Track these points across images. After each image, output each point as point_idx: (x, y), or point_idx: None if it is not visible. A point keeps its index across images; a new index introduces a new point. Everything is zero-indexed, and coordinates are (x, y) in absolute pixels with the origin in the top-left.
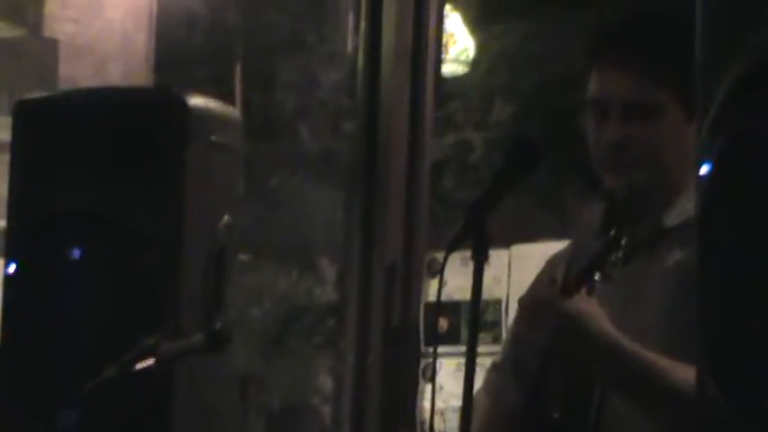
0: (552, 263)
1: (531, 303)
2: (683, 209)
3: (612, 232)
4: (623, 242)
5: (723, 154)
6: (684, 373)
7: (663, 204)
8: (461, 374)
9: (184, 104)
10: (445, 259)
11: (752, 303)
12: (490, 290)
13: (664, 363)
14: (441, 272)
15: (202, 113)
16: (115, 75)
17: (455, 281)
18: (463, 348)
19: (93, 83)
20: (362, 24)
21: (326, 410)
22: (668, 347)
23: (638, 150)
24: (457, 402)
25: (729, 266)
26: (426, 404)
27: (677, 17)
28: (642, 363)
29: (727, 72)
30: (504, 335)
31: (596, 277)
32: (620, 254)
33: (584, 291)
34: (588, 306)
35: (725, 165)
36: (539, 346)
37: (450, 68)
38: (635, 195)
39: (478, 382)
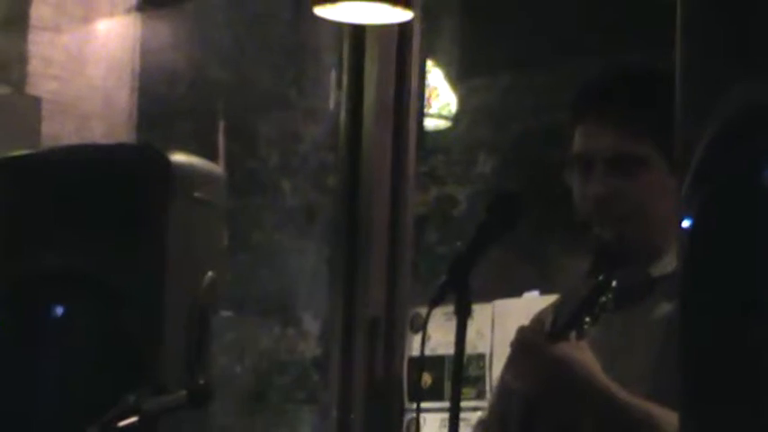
0: (539, 319)
1: (517, 349)
2: (670, 260)
3: (602, 276)
4: (614, 285)
5: (703, 208)
6: (674, 421)
7: (649, 255)
8: (445, 430)
9: (167, 161)
10: (428, 314)
11: (732, 356)
12: (473, 344)
13: (653, 409)
14: (424, 327)
15: (185, 170)
16: (98, 132)
17: (438, 336)
18: (447, 404)
19: (75, 140)
20: (344, 80)
21: None
22: (655, 400)
23: (623, 204)
24: None
25: (710, 319)
26: None
27: (658, 71)
28: (632, 408)
29: (707, 126)
30: (488, 390)
31: (586, 321)
32: (611, 297)
33: (573, 336)
34: (576, 351)
35: (706, 219)
36: (525, 393)
37: (432, 123)
38: (623, 244)
39: None
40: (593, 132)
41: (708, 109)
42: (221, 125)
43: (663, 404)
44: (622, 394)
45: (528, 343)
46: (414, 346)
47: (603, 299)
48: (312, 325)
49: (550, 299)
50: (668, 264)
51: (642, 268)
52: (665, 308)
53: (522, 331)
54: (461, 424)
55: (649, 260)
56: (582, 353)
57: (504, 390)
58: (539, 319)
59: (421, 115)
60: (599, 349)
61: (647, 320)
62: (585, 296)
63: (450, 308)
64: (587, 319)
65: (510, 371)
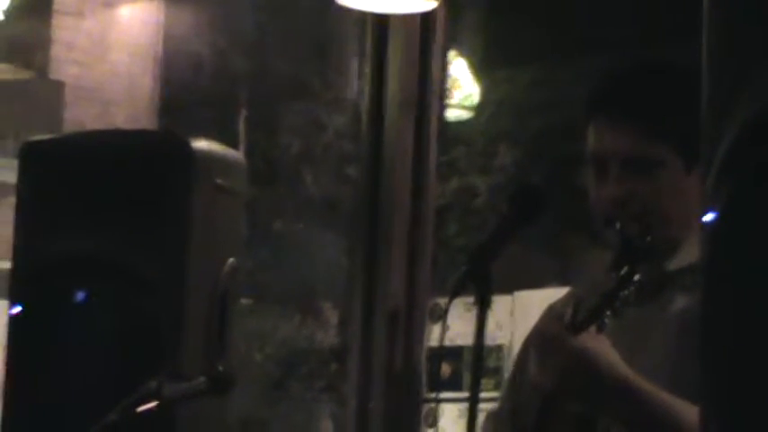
0: (551, 310)
1: (538, 341)
2: (686, 253)
3: (625, 269)
4: (636, 279)
5: (728, 202)
6: (694, 414)
7: (666, 250)
8: (464, 420)
9: (189, 148)
10: (448, 305)
11: (755, 350)
12: (493, 336)
13: (674, 402)
14: (443, 317)
15: (207, 157)
16: (120, 117)
17: (458, 326)
18: (465, 394)
19: (98, 125)
20: (367, 70)
21: None
22: (672, 392)
23: (638, 206)
24: None
25: (733, 314)
26: None
27: (672, 68)
28: (655, 400)
29: (733, 119)
30: None
31: (607, 314)
32: (633, 290)
33: (593, 328)
34: (598, 343)
35: (730, 213)
36: (544, 388)
37: (454, 114)
38: (646, 239)
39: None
40: (607, 133)
41: (733, 102)
42: (243, 113)
43: (680, 397)
44: (644, 384)
45: (549, 336)
46: (433, 337)
47: (626, 292)
48: (331, 314)
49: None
50: (684, 257)
51: (658, 262)
52: (682, 302)
53: (541, 325)
54: (480, 415)
55: (665, 254)
56: (602, 344)
57: (515, 382)
58: (556, 313)
59: (443, 106)
60: (616, 343)
61: (663, 314)
62: (608, 289)
63: (470, 299)
64: (608, 313)
65: (531, 365)
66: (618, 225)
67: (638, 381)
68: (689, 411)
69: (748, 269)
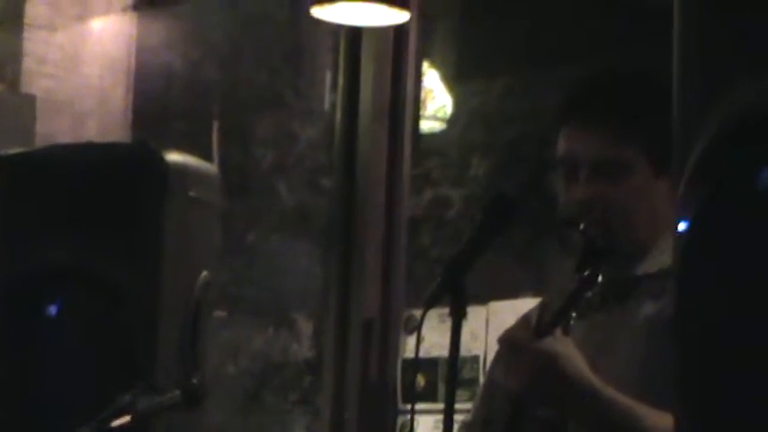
0: (526, 319)
1: (505, 346)
2: (654, 259)
3: (588, 270)
4: (600, 281)
5: (701, 210)
6: (658, 419)
7: (634, 255)
8: None
9: (162, 160)
10: (423, 316)
11: (729, 359)
12: (468, 346)
13: (638, 407)
14: (418, 328)
15: (180, 169)
16: (92, 130)
17: (432, 338)
18: (441, 405)
19: (70, 138)
20: (340, 81)
21: None
22: (639, 398)
23: (607, 209)
24: None
25: (708, 322)
26: None
27: (643, 75)
28: (617, 405)
29: (705, 128)
30: None
31: (572, 316)
32: (597, 292)
33: (559, 331)
34: (563, 347)
35: (703, 221)
36: (512, 392)
37: (427, 125)
38: (609, 240)
39: None
40: (578, 136)
41: (706, 110)
42: (216, 125)
43: (647, 402)
44: (607, 390)
45: (514, 339)
46: (408, 348)
47: (590, 293)
48: (305, 326)
49: None
50: (652, 263)
51: (626, 268)
52: (650, 307)
53: (508, 330)
54: (455, 426)
55: (633, 260)
56: (567, 347)
57: (488, 392)
58: (524, 318)
59: (416, 117)
60: (583, 348)
61: (630, 320)
62: (571, 291)
63: (445, 310)
64: (573, 314)
65: (498, 369)
66: (581, 226)
67: (600, 385)
68: (651, 416)
69: (722, 276)
